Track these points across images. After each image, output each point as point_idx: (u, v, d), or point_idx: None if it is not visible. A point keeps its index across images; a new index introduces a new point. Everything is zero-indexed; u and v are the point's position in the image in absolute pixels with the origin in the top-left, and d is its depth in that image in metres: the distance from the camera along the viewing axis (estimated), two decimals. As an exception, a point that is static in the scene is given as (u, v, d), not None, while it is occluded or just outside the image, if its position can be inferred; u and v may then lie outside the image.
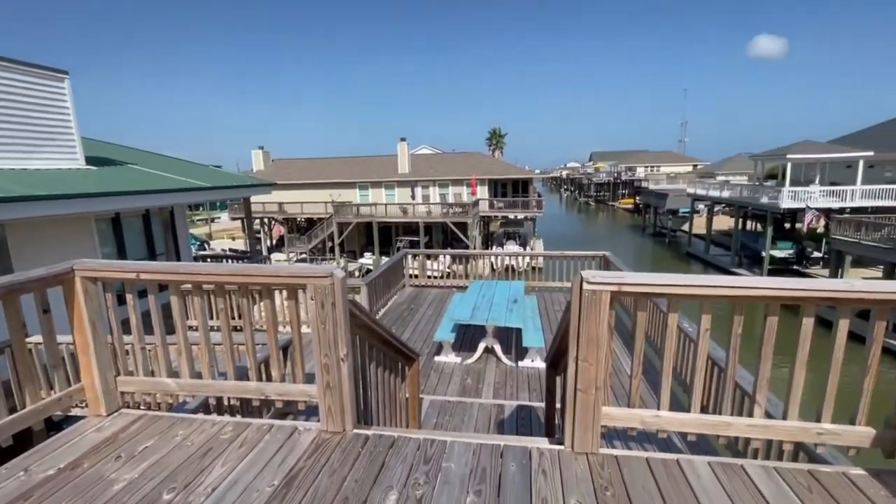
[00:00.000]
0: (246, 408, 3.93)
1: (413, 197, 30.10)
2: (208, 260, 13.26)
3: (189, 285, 2.48)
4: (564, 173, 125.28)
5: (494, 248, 30.85)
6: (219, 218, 55.81)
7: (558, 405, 3.47)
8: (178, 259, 10.22)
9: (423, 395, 5.18)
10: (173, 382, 2.62)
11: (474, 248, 26.58)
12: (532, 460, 2.15)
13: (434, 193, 31.62)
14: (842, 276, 22.85)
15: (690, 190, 35.41)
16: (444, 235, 32.08)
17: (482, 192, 31.19)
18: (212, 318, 6.86)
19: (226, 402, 3.76)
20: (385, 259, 11.74)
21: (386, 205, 28.64)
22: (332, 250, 30.07)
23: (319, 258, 30.33)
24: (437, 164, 34.49)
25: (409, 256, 9.76)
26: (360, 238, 32.60)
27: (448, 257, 10.97)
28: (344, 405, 2.36)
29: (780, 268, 25.98)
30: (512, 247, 30.15)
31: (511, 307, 6.46)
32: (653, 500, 1.87)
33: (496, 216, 33.99)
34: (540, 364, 5.92)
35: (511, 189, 34.85)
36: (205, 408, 3.54)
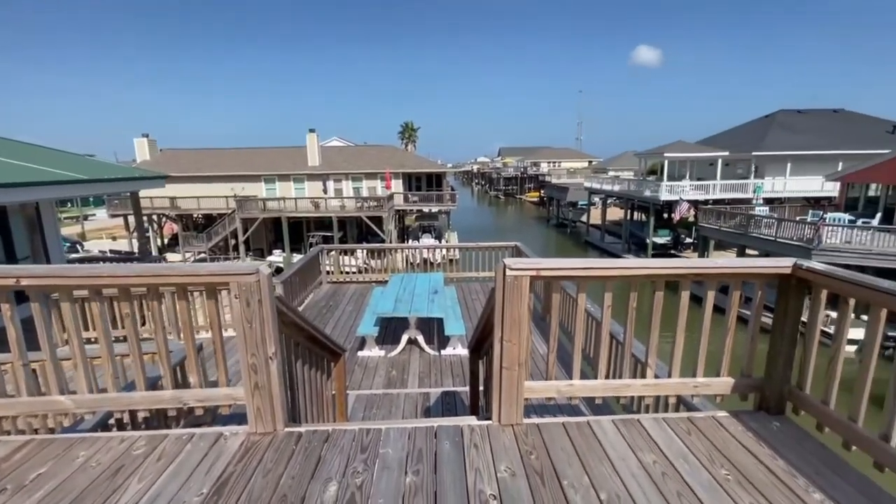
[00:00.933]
0: (152, 422, 3.59)
1: (325, 191, 28.98)
2: (86, 262, 11.56)
3: (85, 290, 2.22)
4: (475, 168, 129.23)
5: (410, 241, 31.00)
6: (93, 215, 48.70)
7: (481, 387, 3.70)
8: (48, 262, 8.79)
9: (349, 391, 5.14)
10: (68, 400, 2.34)
11: (390, 243, 26.47)
12: (464, 437, 2.30)
13: (347, 187, 30.79)
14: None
15: (587, 184, 38.78)
16: (359, 230, 31.45)
17: (396, 185, 31.08)
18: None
19: (127, 418, 3.40)
20: (297, 257, 11.16)
21: (296, 199, 27.23)
22: (235, 248, 27.90)
23: (221, 257, 27.97)
24: (349, 156, 33.58)
25: (325, 252, 9.48)
26: (267, 235, 30.66)
27: (365, 252, 10.85)
28: (274, 405, 2.31)
29: (661, 253, 29.68)
30: (428, 240, 30.53)
31: (432, 298, 6.63)
32: (570, 457, 2.13)
33: (411, 210, 34.16)
34: (462, 351, 6.17)
35: (425, 183, 35.20)
36: (103, 426, 3.18)
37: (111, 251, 24.87)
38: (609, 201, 38.78)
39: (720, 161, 27.69)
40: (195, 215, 31.75)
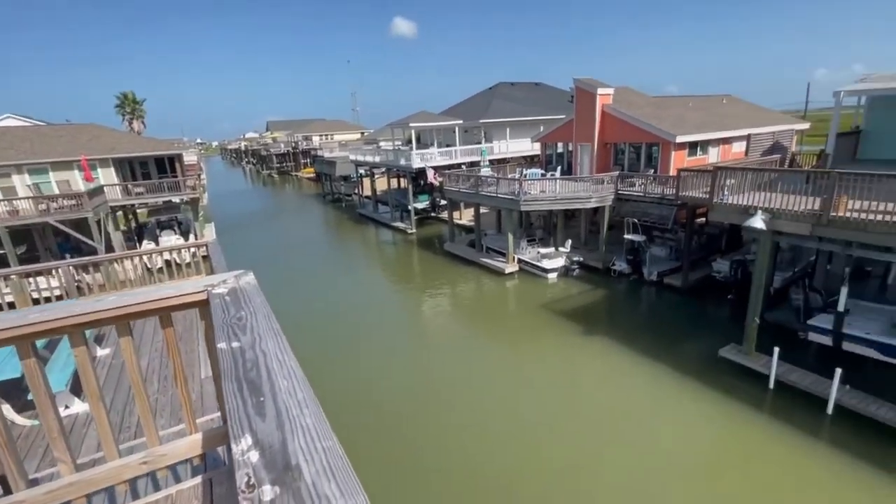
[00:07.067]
0: None
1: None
2: None
3: None
4: (244, 145, 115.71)
5: (146, 241, 25.24)
6: None
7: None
8: None
9: None
10: None
11: (105, 250, 20.81)
12: None
13: (21, 183, 22.49)
14: (461, 218, 30.15)
15: (352, 157, 38.59)
16: (65, 238, 23.79)
17: (106, 175, 24.39)
18: None
19: None
20: None
21: (-78, 209, 18.35)
22: None
23: None
24: (22, 141, 24.48)
25: None
26: None
27: (71, 269, 7.67)
28: None
29: (423, 216, 32.13)
30: (170, 237, 25.42)
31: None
32: None
33: (143, 204, 27.66)
34: (75, 409, 4.66)
35: (156, 168, 28.92)
36: None
37: None
38: (377, 172, 39.63)
39: (457, 129, 30.96)
40: None
